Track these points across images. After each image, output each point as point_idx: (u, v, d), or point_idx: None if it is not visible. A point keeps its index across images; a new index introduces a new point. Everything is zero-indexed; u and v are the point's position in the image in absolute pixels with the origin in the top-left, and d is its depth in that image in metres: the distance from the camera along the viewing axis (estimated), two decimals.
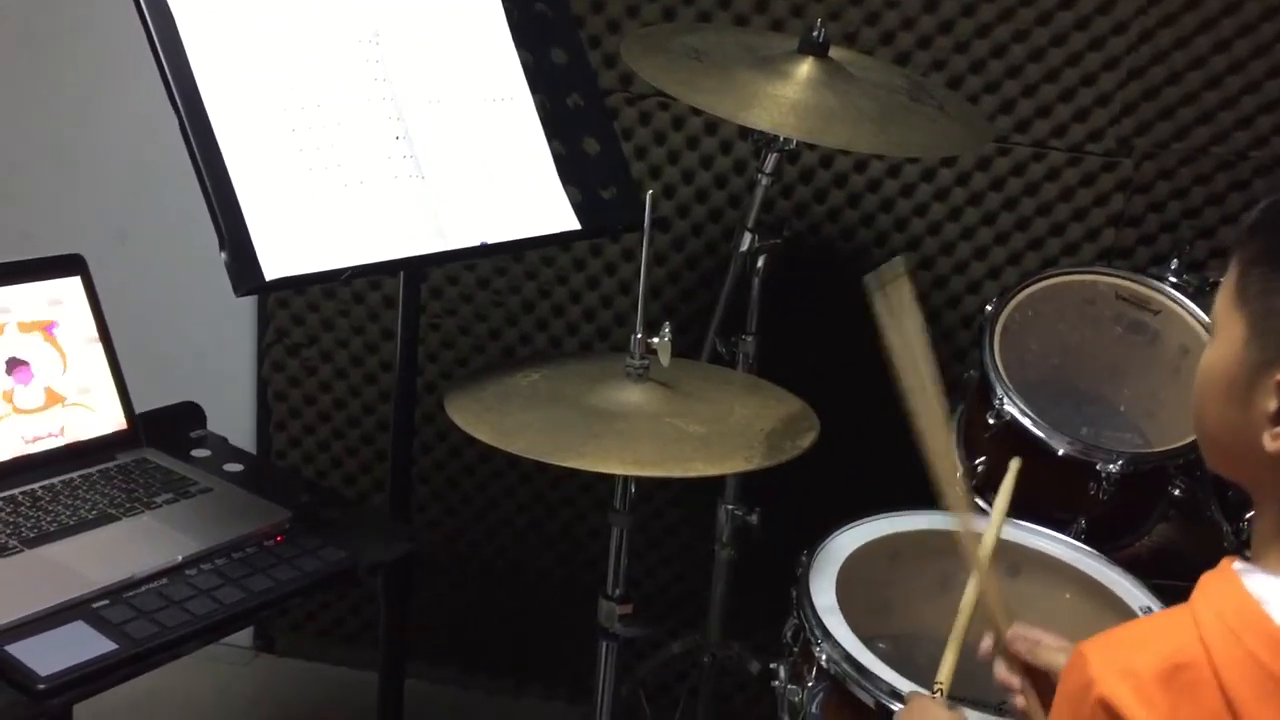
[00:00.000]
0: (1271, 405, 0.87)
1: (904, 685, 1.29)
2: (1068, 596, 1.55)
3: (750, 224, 1.78)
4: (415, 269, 1.67)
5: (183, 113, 1.30)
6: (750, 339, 1.83)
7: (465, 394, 1.47)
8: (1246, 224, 0.93)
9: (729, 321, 1.85)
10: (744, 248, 1.79)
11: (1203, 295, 1.77)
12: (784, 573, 1.52)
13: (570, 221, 1.60)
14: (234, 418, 2.31)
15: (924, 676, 1.25)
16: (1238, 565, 0.90)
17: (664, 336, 1.46)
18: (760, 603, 1.98)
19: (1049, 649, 1.17)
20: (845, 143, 1.60)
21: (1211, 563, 0.93)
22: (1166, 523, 1.72)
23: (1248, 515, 1.59)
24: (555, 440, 1.35)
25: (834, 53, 1.66)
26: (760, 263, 1.79)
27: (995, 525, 1.31)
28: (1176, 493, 1.66)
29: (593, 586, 1.63)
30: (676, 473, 1.32)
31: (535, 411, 1.43)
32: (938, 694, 1.22)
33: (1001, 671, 1.21)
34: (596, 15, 2.04)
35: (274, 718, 2.36)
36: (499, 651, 2.43)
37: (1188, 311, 1.75)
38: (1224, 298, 0.93)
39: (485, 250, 1.53)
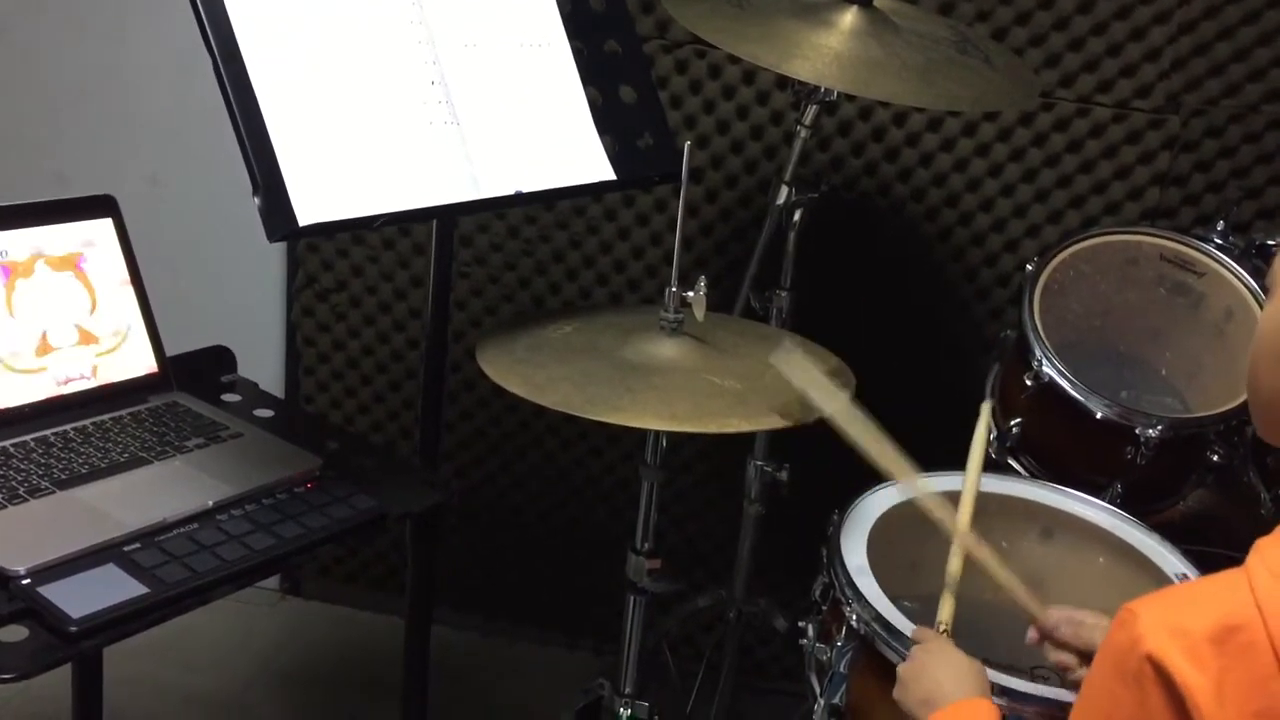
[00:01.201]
0: None
1: None
2: (1101, 561, 1.53)
3: (787, 177, 1.75)
4: (448, 217, 1.65)
5: (217, 55, 1.28)
6: (785, 294, 1.81)
7: (496, 345, 1.46)
8: None
9: (763, 276, 1.83)
10: (780, 201, 1.76)
11: (1249, 258, 1.73)
12: (812, 530, 1.51)
13: (605, 171, 1.58)
14: (262, 362, 2.31)
15: (954, 638, 1.25)
16: None
17: (699, 290, 1.43)
18: (787, 560, 1.97)
19: (1092, 628, 1.16)
20: (890, 95, 1.56)
21: (1248, 529, 0.91)
22: (1203, 488, 1.70)
23: None
24: (590, 394, 1.33)
25: (878, 1, 1.62)
26: (796, 217, 1.77)
27: (972, 483, 1.36)
28: (1215, 459, 1.64)
29: (618, 537, 1.62)
30: (713, 429, 1.30)
31: (569, 364, 1.42)
32: (943, 635, 1.23)
33: (1054, 655, 1.22)
34: None
35: (299, 661, 2.38)
36: (523, 600, 2.44)
37: (1233, 274, 1.71)
38: None
39: (520, 199, 1.51)
